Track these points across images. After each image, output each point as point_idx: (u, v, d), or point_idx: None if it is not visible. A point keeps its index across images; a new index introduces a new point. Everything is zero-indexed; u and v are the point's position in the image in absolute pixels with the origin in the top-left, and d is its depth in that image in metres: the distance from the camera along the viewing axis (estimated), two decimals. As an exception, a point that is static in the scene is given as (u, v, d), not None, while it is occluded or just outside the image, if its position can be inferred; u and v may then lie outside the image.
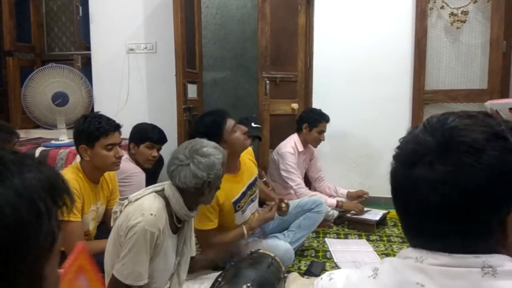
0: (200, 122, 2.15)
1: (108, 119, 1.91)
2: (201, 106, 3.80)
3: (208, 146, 1.56)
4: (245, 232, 2.10)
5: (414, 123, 3.33)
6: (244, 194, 2.19)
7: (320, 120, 3.02)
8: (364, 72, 3.38)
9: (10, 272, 0.44)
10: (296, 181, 2.93)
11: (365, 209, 3.06)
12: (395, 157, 0.62)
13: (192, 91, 3.50)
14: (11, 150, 0.52)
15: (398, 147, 0.63)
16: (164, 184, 1.57)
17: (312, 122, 3.02)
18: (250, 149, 2.38)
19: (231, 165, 2.09)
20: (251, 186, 2.27)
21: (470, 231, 0.55)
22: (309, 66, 3.41)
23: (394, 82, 3.37)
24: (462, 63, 3.31)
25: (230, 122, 2.10)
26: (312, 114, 3.06)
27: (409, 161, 0.59)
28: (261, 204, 2.38)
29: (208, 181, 1.53)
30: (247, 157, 2.34)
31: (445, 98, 3.33)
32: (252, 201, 2.31)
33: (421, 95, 3.33)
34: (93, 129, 1.84)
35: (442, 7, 3.28)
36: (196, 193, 1.55)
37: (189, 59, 3.39)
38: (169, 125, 3.01)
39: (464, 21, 3.23)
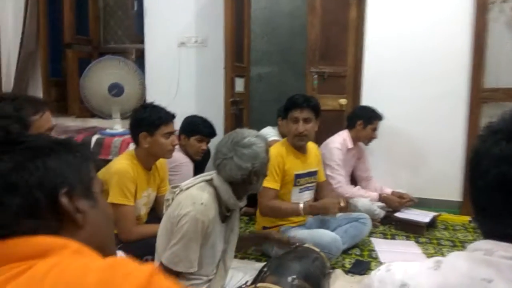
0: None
1: (165, 109, 2.01)
2: (247, 100, 3.83)
3: (249, 136, 1.56)
4: (301, 208, 2.17)
5: (470, 123, 3.16)
6: (304, 175, 2.33)
7: (375, 118, 3.00)
8: (417, 67, 3.24)
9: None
10: (337, 178, 2.88)
11: (412, 210, 2.96)
12: (495, 132, 0.59)
13: (239, 84, 3.54)
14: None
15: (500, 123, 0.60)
16: (213, 173, 1.60)
17: (367, 119, 2.98)
18: (314, 144, 2.53)
19: None
20: (312, 174, 2.37)
21: None
22: (359, 60, 3.32)
23: (449, 79, 3.20)
24: (525, 60, 3.09)
25: None
26: (367, 111, 3.03)
27: None
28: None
29: (254, 170, 1.54)
30: (314, 149, 2.49)
31: (505, 97, 3.12)
32: (308, 189, 2.39)
33: (479, 93, 3.14)
34: (154, 118, 1.94)
35: (504, 1, 3.07)
36: (244, 183, 1.57)
37: (238, 53, 3.43)
38: (216, 118, 3.07)
39: (530, 15, 3.02)
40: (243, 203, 1.65)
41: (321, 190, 2.53)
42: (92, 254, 0.59)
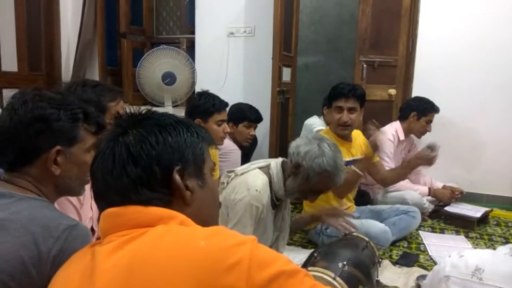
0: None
1: (219, 97, 2.08)
2: (294, 89, 3.85)
3: (331, 151, 1.58)
4: (354, 168, 2.18)
5: (529, 116, 3.01)
6: (349, 163, 2.30)
7: (430, 110, 2.87)
8: (473, 58, 3.11)
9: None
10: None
11: (463, 205, 2.88)
12: None
13: (286, 74, 3.56)
14: None
15: None
16: (269, 161, 1.65)
17: (422, 111, 2.87)
18: (360, 132, 2.54)
19: None
20: (355, 162, 2.34)
21: None
22: (411, 50, 3.23)
23: (506, 70, 3.05)
24: None
25: None
26: (422, 102, 2.90)
27: None
28: None
29: (299, 165, 1.55)
30: (360, 138, 2.49)
31: None
32: None
33: (540, 85, 2.98)
34: (209, 106, 2.03)
35: None
36: (288, 170, 1.60)
37: (286, 42, 3.44)
38: (263, 107, 3.11)
39: None
40: (289, 197, 1.69)
41: (377, 171, 2.55)
42: (196, 225, 0.65)
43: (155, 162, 0.65)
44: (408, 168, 2.66)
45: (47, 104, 0.91)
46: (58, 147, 0.92)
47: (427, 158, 2.45)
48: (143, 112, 0.72)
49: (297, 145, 1.59)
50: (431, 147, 2.42)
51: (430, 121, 2.90)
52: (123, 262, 0.58)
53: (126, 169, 0.64)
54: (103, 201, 0.67)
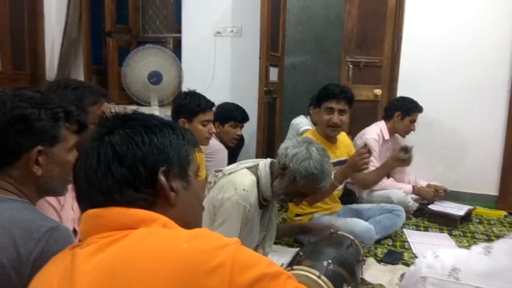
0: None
1: (205, 97, 2.07)
2: (281, 89, 3.86)
3: (319, 155, 1.58)
4: (333, 178, 2.12)
5: (510, 115, 3.07)
6: (334, 164, 2.28)
7: (414, 109, 2.91)
8: (456, 58, 3.16)
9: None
10: (371, 170, 2.87)
11: (447, 203, 2.93)
12: None
13: (273, 74, 3.57)
14: None
15: None
16: (257, 161, 1.66)
17: (405, 111, 2.90)
18: (345, 134, 2.56)
19: None
20: (341, 163, 2.35)
21: None
22: (397, 51, 3.28)
23: (489, 70, 3.11)
24: None
25: None
26: (406, 102, 2.94)
27: None
28: None
29: (286, 166, 1.55)
30: (344, 139, 2.51)
31: (550, 90, 3.01)
32: None
33: (521, 86, 3.05)
34: (194, 105, 2.01)
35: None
36: (276, 172, 1.60)
37: (273, 42, 3.45)
38: (250, 106, 3.12)
39: None
40: (276, 199, 1.69)
41: (358, 174, 2.50)
42: (179, 227, 0.64)
43: (141, 163, 0.65)
44: (385, 169, 2.69)
45: (27, 103, 0.90)
46: (39, 147, 0.90)
47: (402, 160, 2.47)
48: (129, 112, 0.72)
49: (286, 146, 1.59)
50: (405, 149, 2.45)
51: (414, 121, 2.94)
52: (104, 265, 0.57)
53: (111, 169, 0.64)
54: (85, 201, 0.66)
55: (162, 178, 0.66)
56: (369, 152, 2.14)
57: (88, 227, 0.64)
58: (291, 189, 1.61)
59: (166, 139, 0.68)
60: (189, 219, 0.71)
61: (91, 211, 0.64)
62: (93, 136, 0.68)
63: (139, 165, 0.64)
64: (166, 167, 0.67)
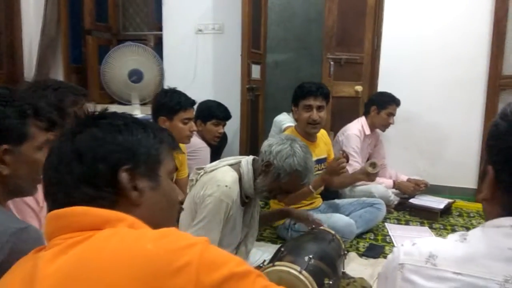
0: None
1: (186, 95, 2.06)
2: (264, 87, 3.86)
3: (303, 152, 1.58)
4: (311, 187, 2.15)
5: (487, 110, 3.14)
6: (315, 162, 2.26)
7: (390, 102, 2.94)
8: (435, 55, 3.22)
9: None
10: (353, 165, 2.89)
11: (427, 197, 2.99)
12: None
13: (255, 71, 3.57)
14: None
15: None
16: (239, 158, 1.65)
17: (381, 104, 2.95)
18: (324, 131, 2.53)
19: None
20: (320, 161, 2.38)
21: None
22: (377, 47, 3.31)
23: (467, 66, 3.18)
24: (547, 47, 3.04)
25: None
26: (381, 96, 3.00)
27: None
28: None
29: (270, 163, 1.55)
30: (323, 137, 2.50)
31: (525, 84, 3.09)
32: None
33: (497, 80, 3.11)
34: (174, 103, 1.99)
35: (527, -14, 3.01)
36: (259, 169, 1.60)
37: (254, 40, 3.45)
38: (233, 104, 3.11)
39: (553, 0, 2.95)
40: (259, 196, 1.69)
41: None
42: (146, 228, 0.62)
43: (101, 160, 0.63)
44: (351, 179, 2.57)
45: None
46: (5, 146, 0.88)
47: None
48: (101, 112, 0.71)
49: (270, 144, 1.59)
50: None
51: (391, 114, 2.97)
52: (66, 267, 0.56)
53: (71, 166, 0.63)
54: (50, 200, 0.65)
55: (123, 176, 0.64)
56: (347, 158, 2.17)
57: (52, 229, 0.62)
58: (274, 186, 1.62)
59: (133, 137, 0.67)
60: (159, 221, 0.68)
61: (54, 212, 0.62)
62: (61, 135, 0.67)
63: (99, 162, 0.63)
64: (130, 166, 0.65)
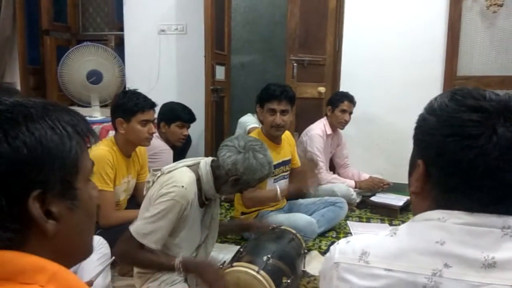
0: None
1: (145, 96, 2.01)
2: (229, 88, 3.86)
3: (265, 157, 1.57)
4: (278, 192, 2.17)
5: (443, 110, 3.26)
6: (279, 165, 2.34)
7: (342, 99, 3.00)
8: (394, 56, 3.32)
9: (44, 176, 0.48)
10: (318, 164, 2.94)
11: (388, 194, 3.07)
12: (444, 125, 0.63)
13: (220, 72, 3.55)
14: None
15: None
16: (197, 160, 1.63)
17: (334, 103, 3.02)
18: (289, 132, 2.53)
19: None
20: (285, 163, 2.40)
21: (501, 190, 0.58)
22: (338, 49, 3.38)
23: (425, 67, 3.30)
24: (496, 49, 3.19)
25: None
26: (334, 95, 3.09)
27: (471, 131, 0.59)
28: None
29: (238, 178, 1.54)
30: (288, 138, 2.51)
31: (478, 84, 3.22)
32: (284, 178, 2.44)
33: (452, 81, 3.25)
34: (131, 105, 1.94)
35: (478, -9, 3.16)
36: (223, 179, 1.58)
37: (218, 41, 3.44)
38: (197, 105, 3.09)
39: (501, 5, 3.11)
40: (220, 196, 1.68)
41: (294, 175, 2.54)
42: (69, 279, 0.50)
43: None
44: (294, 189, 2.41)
45: None
46: None
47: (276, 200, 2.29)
48: None
49: (233, 162, 1.53)
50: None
51: (345, 111, 3.01)
52: None
53: None
54: None
55: (34, 206, 0.46)
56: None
57: None
58: (238, 188, 1.63)
59: (36, 139, 0.46)
60: (76, 248, 0.55)
61: None
62: None
63: None
64: (41, 189, 0.47)
